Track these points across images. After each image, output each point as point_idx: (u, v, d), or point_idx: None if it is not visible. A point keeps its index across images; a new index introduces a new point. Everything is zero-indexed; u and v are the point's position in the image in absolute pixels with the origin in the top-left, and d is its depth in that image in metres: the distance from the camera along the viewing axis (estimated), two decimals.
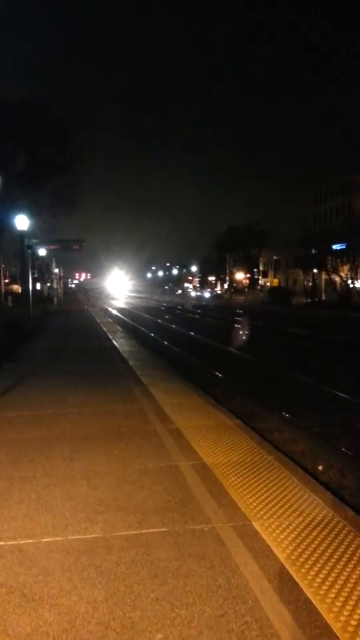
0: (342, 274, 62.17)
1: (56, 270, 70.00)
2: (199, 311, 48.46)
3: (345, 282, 61.72)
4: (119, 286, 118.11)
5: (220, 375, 13.01)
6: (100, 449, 5.96)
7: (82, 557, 3.58)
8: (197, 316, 41.80)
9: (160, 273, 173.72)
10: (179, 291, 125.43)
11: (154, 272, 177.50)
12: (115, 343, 17.74)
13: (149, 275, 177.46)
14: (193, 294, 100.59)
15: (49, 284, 61.77)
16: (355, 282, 61.78)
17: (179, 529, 3.95)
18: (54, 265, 65.96)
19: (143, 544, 3.74)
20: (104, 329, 24.06)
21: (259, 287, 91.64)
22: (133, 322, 31.56)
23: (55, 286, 68.22)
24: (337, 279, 63.44)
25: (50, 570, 3.43)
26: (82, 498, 4.56)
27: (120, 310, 48.98)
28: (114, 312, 44.78)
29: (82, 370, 12.08)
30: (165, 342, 20.33)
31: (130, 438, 6.36)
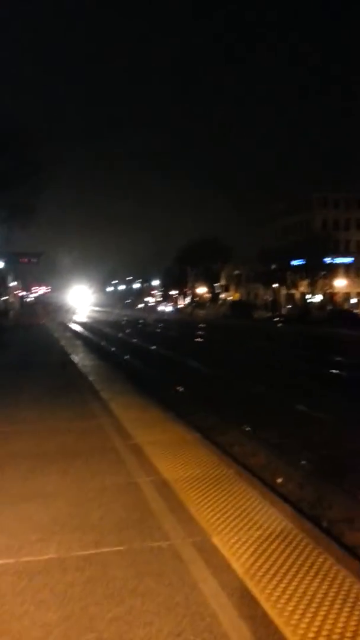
0: (301, 289, 63.73)
1: (13, 283, 68.51)
2: (160, 325, 48.47)
3: (304, 296, 63.26)
4: (81, 300, 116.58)
5: (181, 389, 13.00)
6: (57, 467, 5.80)
7: (35, 579, 3.45)
8: (158, 330, 41.79)
9: (122, 287, 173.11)
10: (141, 305, 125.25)
11: (115, 286, 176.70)
12: (74, 358, 17.46)
13: (109, 289, 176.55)
14: (160, 308, 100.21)
15: (4, 298, 60.30)
16: (314, 296, 63.43)
17: (137, 547, 3.87)
18: (10, 278, 64.51)
19: (100, 564, 3.64)
20: (63, 343, 23.69)
21: (220, 301, 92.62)
22: (93, 337, 31.23)
23: (11, 300, 66.71)
24: (297, 293, 64.99)
25: (1, 594, 3.29)
26: (37, 518, 4.42)
27: (80, 324, 48.40)
28: (74, 326, 44.21)
29: (39, 386, 11.80)
30: (126, 357, 20.19)
31: (88, 455, 6.23)
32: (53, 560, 3.70)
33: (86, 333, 34.72)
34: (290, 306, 66.39)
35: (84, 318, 64.27)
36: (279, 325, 48.84)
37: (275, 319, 57.32)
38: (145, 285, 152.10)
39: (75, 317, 62.95)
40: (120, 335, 34.21)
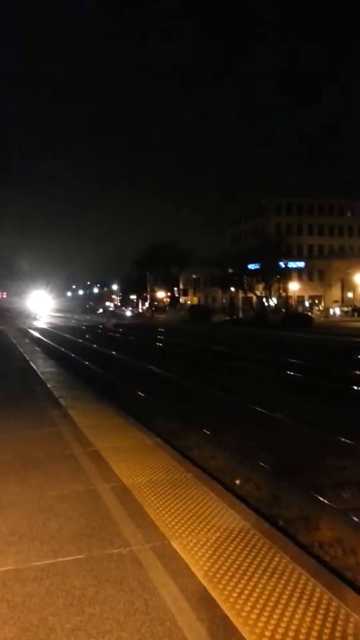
0: (258, 293, 64.85)
1: None
2: (120, 330, 48.19)
3: (260, 300, 64.40)
4: (41, 305, 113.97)
5: (141, 394, 12.98)
6: (15, 476, 5.70)
7: None
8: (118, 335, 41.54)
9: (81, 292, 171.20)
10: (100, 310, 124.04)
11: (74, 291, 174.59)
12: (32, 365, 17.14)
13: (69, 294, 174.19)
14: (128, 313, 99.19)
15: None
16: (270, 300, 64.66)
17: (96, 555, 3.86)
18: None
19: (58, 573, 3.62)
20: (21, 349, 23.20)
21: (179, 306, 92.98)
22: (52, 343, 30.72)
23: None
24: (253, 297, 66.08)
25: None
26: None
27: (38, 330, 47.48)
28: (33, 332, 43.32)
29: None
30: (86, 362, 19.98)
31: (47, 464, 6.15)
32: (10, 572, 3.65)
33: (45, 339, 34.10)
34: (248, 309, 67.39)
35: (43, 324, 63.04)
36: (234, 327, 49.50)
37: (234, 323, 58.05)
38: (104, 290, 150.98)
39: (35, 323, 61.59)
40: (80, 340, 33.79)
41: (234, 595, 3.31)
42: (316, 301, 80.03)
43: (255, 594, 3.32)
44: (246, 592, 3.35)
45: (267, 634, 2.92)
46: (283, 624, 3.00)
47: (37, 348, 25.34)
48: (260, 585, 3.41)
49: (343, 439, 8.37)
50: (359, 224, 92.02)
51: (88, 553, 3.90)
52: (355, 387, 13.85)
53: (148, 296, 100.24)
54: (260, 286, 64.90)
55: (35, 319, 74.56)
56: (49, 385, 12.51)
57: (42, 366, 16.81)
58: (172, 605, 3.20)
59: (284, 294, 67.04)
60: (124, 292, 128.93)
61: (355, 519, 5.46)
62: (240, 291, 69.99)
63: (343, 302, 76.28)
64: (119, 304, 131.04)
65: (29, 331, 44.01)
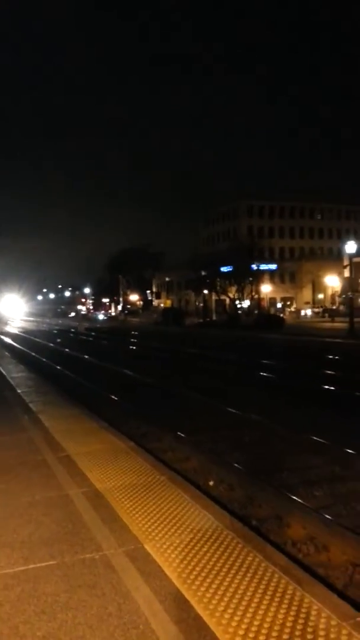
0: (230, 295, 65.29)
1: None
2: (92, 334, 47.81)
3: (233, 302, 64.86)
4: (13, 309, 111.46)
5: (114, 397, 12.90)
6: None
7: None
8: (90, 339, 41.20)
9: (52, 295, 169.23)
10: (73, 314, 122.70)
11: (45, 295, 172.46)
12: (2, 370, 16.85)
13: (39, 297, 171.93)
14: (100, 316, 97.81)
15: None
16: (243, 302, 65.18)
17: (69, 560, 3.81)
18: None
19: (30, 580, 3.56)
20: None
21: (152, 309, 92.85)
22: (23, 347, 30.27)
23: None
24: (226, 299, 66.50)
25: None
26: None
27: (8, 335, 46.70)
28: (2, 337, 42.58)
29: None
30: (58, 367, 19.74)
31: (18, 470, 6.05)
32: None
33: (16, 344, 33.55)
34: (221, 311, 67.79)
35: (14, 328, 61.99)
36: (207, 330, 49.71)
37: (207, 325, 58.29)
38: (76, 293, 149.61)
39: (5, 328, 60.45)
40: (51, 345, 33.38)
41: (208, 595, 3.31)
42: (288, 303, 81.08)
43: (228, 593, 3.33)
44: (220, 591, 3.35)
45: (241, 632, 2.93)
46: (256, 622, 3.02)
47: (6, 353, 24.92)
48: (233, 585, 3.43)
49: (315, 438, 8.49)
50: (329, 226, 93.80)
51: (60, 559, 3.84)
52: (326, 386, 14.08)
53: (121, 299, 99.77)
54: (233, 288, 65.37)
55: (6, 323, 73.22)
56: (19, 391, 12.31)
57: (12, 371, 16.54)
58: (145, 608, 3.18)
59: (256, 296, 67.67)
60: (97, 296, 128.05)
61: (327, 516, 5.54)
62: (213, 293, 70.32)
63: (314, 303, 77.48)
64: (91, 307, 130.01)
65: None
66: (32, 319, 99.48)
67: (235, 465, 7.43)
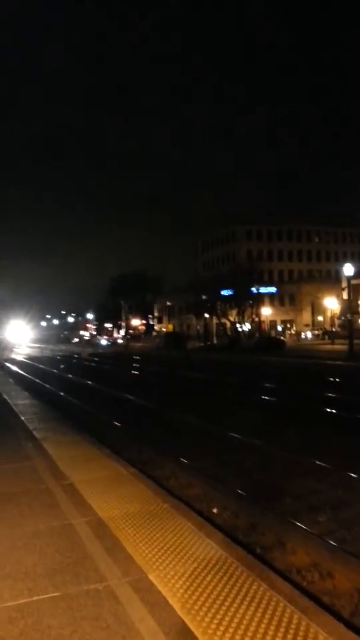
0: (231, 318, 65.41)
1: None
2: (95, 359, 47.79)
3: (234, 325, 64.93)
4: (20, 336, 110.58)
5: (117, 423, 12.87)
6: None
7: None
8: (93, 364, 41.18)
9: (56, 321, 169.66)
10: (75, 339, 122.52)
11: (49, 321, 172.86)
12: (5, 397, 16.85)
13: (43, 323, 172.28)
14: (103, 342, 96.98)
15: None
16: (243, 325, 65.26)
17: (72, 592, 3.80)
18: None
19: (33, 613, 3.54)
20: None
21: (154, 333, 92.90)
22: (26, 374, 30.26)
23: None
24: (227, 322, 66.60)
25: None
26: None
27: (12, 362, 46.68)
28: (6, 364, 42.58)
29: None
30: (61, 393, 19.72)
31: (20, 499, 6.03)
32: None
33: (20, 370, 33.54)
34: (222, 335, 67.81)
35: (19, 355, 61.72)
36: (209, 354, 49.65)
37: (208, 349, 58.25)
38: (79, 319, 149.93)
39: (11, 355, 59.95)
40: (54, 371, 33.36)
41: (213, 626, 3.30)
42: (288, 325, 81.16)
43: (233, 624, 3.31)
44: (225, 622, 3.33)
45: None
46: None
47: (10, 380, 24.93)
48: (238, 615, 3.41)
49: (317, 462, 8.45)
50: (326, 249, 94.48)
51: (64, 590, 3.83)
52: (327, 409, 14.04)
53: (123, 324, 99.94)
54: (234, 312, 65.53)
55: (11, 350, 72.90)
56: (22, 418, 12.30)
57: (15, 398, 16.52)
58: None
59: (256, 319, 67.79)
60: (100, 321, 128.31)
61: (331, 542, 5.51)
62: (214, 317, 70.48)
63: (314, 325, 77.53)
64: (94, 332, 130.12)
65: (2, 363, 43.20)
66: (36, 345, 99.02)
67: (238, 491, 7.39)
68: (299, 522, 6.10)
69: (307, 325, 77.03)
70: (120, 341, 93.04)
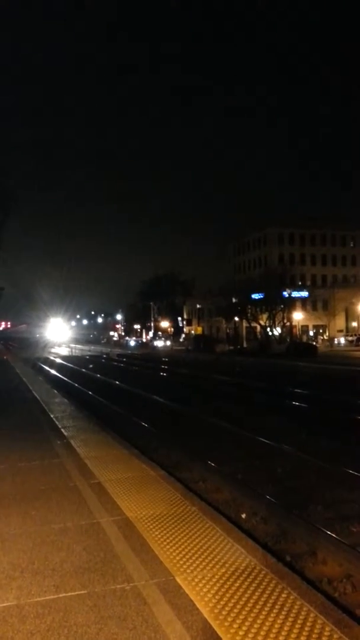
0: (262, 322, 64.79)
1: None
2: (124, 360, 48.08)
3: (265, 329, 64.30)
4: (59, 334, 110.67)
5: (145, 424, 12.87)
6: (16, 509, 5.63)
7: None
8: (121, 365, 41.44)
9: (85, 321, 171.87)
10: (104, 340, 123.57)
11: (79, 321, 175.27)
12: (36, 394, 17.09)
13: (73, 323, 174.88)
14: (132, 343, 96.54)
15: None
16: (274, 329, 64.56)
17: (99, 590, 3.78)
18: None
19: (61, 609, 3.53)
20: (25, 379, 23.16)
21: (183, 335, 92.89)
22: (55, 373, 30.68)
23: None
24: (257, 326, 66.01)
25: None
26: None
27: (43, 360, 47.38)
28: (37, 362, 43.26)
29: None
30: (90, 392, 19.89)
31: (49, 496, 6.07)
32: (12, 608, 3.57)
33: (49, 369, 34.04)
34: (252, 338, 67.29)
35: (52, 355, 62.18)
36: (238, 357, 49.28)
37: (238, 353, 57.85)
38: (108, 319, 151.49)
39: (47, 354, 59.95)
40: (83, 370, 33.72)
41: (241, 633, 3.22)
42: (320, 330, 79.88)
43: (262, 632, 3.22)
44: (253, 629, 3.25)
45: None
46: None
47: (39, 378, 25.30)
48: (267, 623, 3.32)
49: (350, 471, 8.24)
50: None
51: (91, 588, 3.81)
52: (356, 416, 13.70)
53: (152, 326, 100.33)
54: (264, 316, 64.90)
55: (49, 349, 72.89)
56: (52, 416, 12.44)
57: (45, 396, 16.74)
58: None
59: (287, 324, 66.96)
60: (128, 322, 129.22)
61: None
62: (244, 321, 69.97)
63: (347, 331, 76.09)
64: (122, 333, 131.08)
65: (34, 362, 43.92)
66: (71, 344, 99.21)
67: (268, 497, 7.26)
68: (330, 532, 5.94)
69: (340, 331, 75.66)
70: (147, 342, 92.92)
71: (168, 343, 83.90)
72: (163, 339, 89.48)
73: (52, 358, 50.92)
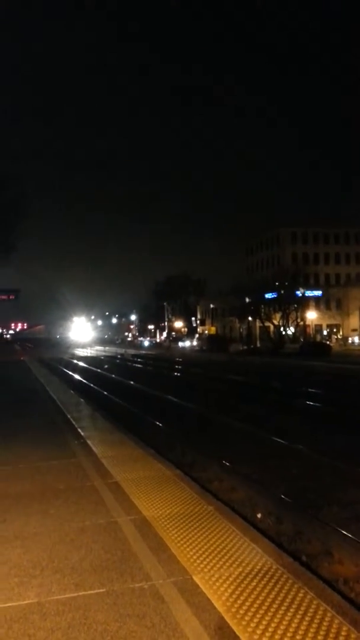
0: (275, 322, 64.55)
1: None
2: (138, 360, 48.25)
3: (278, 329, 64.05)
4: (80, 334, 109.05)
5: (160, 424, 12.94)
6: (36, 507, 5.72)
7: (14, 626, 3.39)
8: (136, 365, 41.59)
9: (100, 322, 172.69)
10: (118, 340, 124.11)
11: (93, 321, 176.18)
12: (52, 395, 17.26)
13: (99, 322, 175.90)
14: (146, 343, 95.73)
15: None
16: (288, 329, 64.28)
17: (118, 589, 3.84)
18: None
19: (80, 607, 3.60)
20: (41, 380, 23.39)
21: (197, 335, 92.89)
22: (71, 372, 30.91)
23: None
24: (271, 326, 65.78)
25: None
26: (16, 561, 4.35)
27: (57, 360, 47.74)
28: (51, 362, 43.62)
29: (16, 424, 11.62)
30: (105, 393, 20.03)
31: (68, 495, 6.16)
32: (33, 605, 3.65)
33: (64, 369, 34.30)
34: (265, 338, 67.06)
35: (69, 355, 62.31)
36: (252, 357, 49.15)
37: (251, 352, 57.70)
38: (122, 320, 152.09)
39: (65, 355, 59.66)
40: (98, 370, 33.93)
41: (258, 632, 3.26)
42: (334, 330, 79.31)
43: (280, 631, 3.26)
44: (270, 628, 3.29)
45: None
46: None
47: (55, 378, 25.52)
48: (284, 622, 3.35)
49: None
50: None
51: (110, 586, 3.88)
52: None
53: (166, 326, 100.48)
54: (278, 315, 64.67)
55: (68, 350, 72.16)
56: (68, 416, 12.56)
57: (61, 396, 16.89)
58: None
59: (301, 323, 66.63)
60: (142, 322, 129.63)
61: None
62: (257, 320, 69.79)
63: None
64: (136, 334, 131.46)
65: (48, 361, 44.30)
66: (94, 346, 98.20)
67: (283, 497, 7.28)
68: (346, 532, 5.94)
69: (354, 330, 75.03)
70: (161, 342, 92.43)
71: (189, 343, 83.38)
72: (184, 339, 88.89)
73: (67, 358, 51.18)
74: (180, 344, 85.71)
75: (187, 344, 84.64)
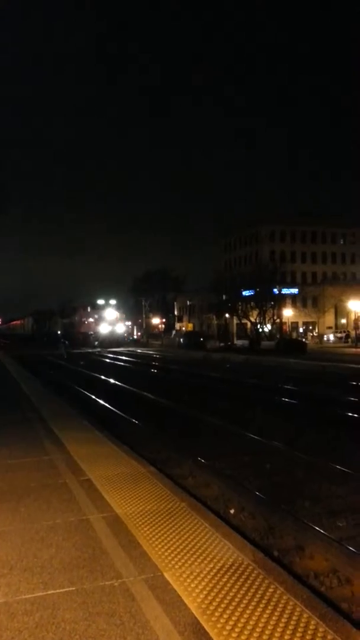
0: (252, 319, 65.03)
1: None
2: (112, 356, 47.95)
3: (255, 326, 64.54)
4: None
5: (135, 421, 12.89)
6: (5, 505, 5.62)
7: None
8: (112, 362, 41.34)
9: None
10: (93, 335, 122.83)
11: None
12: (26, 391, 17.03)
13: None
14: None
15: None
16: (264, 326, 64.82)
17: (88, 587, 3.80)
18: None
19: (49, 606, 3.55)
20: (14, 376, 23.07)
21: (174, 332, 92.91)
22: (46, 370, 30.57)
23: None
24: (248, 323, 66.26)
25: None
26: None
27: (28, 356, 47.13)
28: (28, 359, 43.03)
29: None
30: (80, 389, 19.86)
31: (39, 493, 6.07)
32: (0, 606, 3.57)
33: (38, 366, 33.90)
34: (242, 335, 67.51)
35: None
36: (228, 354, 49.41)
37: (228, 349, 58.01)
38: None
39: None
40: (73, 367, 33.63)
41: (228, 627, 3.26)
42: (310, 327, 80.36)
43: (249, 626, 3.27)
44: (240, 624, 3.29)
45: None
46: None
47: (30, 375, 25.20)
48: (254, 617, 3.36)
49: (338, 466, 8.32)
50: (352, 251, 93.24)
51: (79, 585, 3.83)
52: (350, 414, 13.83)
53: (143, 322, 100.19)
54: (255, 312, 65.15)
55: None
56: (42, 413, 12.40)
57: (35, 393, 16.68)
58: (164, 639, 3.14)
59: (278, 320, 67.27)
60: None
61: (351, 548, 5.41)
62: (234, 317, 70.19)
63: (337, 328, 76.62)
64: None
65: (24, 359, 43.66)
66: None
67: (257, 493, 7.32)
68: (317, 527, 6.01)
69: (329, 327, 76.15)
70: (138, 338, 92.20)
71: (166, 340, 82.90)
72: (163, 335, 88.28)
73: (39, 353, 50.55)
74: (157, 341, 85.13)
75: (165, 341, 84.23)
